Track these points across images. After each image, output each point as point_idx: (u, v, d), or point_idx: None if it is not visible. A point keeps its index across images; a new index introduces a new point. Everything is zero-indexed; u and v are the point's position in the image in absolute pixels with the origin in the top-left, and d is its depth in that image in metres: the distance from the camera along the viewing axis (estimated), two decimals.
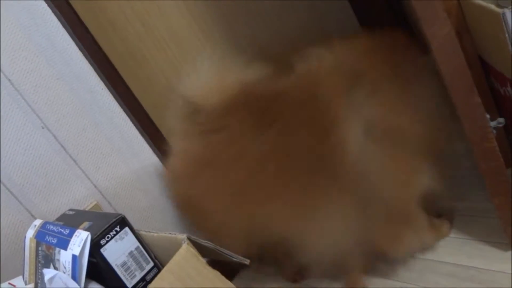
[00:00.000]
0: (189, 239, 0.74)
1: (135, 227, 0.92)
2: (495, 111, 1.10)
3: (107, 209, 1.27)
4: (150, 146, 1.35)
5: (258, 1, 1.62)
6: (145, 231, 0.85)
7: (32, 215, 1.15)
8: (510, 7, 0.87)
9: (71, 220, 0.91)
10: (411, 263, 1.18)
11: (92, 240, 0.75)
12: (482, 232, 1.13)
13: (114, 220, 0.80)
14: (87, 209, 1.23)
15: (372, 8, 1.61)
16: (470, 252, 1.10)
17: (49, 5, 1.18)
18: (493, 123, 0.89)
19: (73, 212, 0.97)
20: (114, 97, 1.28)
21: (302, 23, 1.50)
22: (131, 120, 1.31)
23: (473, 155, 0.96)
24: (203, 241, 0.76)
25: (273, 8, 1.56)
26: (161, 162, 1.37)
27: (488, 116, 0.88)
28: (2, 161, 1.12)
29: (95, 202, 1.24)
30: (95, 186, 1.25)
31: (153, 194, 1.37)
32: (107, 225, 0.79)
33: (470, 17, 1.03)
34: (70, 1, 1.22)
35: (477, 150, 0.91)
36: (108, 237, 0.78)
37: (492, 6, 0.91)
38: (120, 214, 0.82)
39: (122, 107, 1.29)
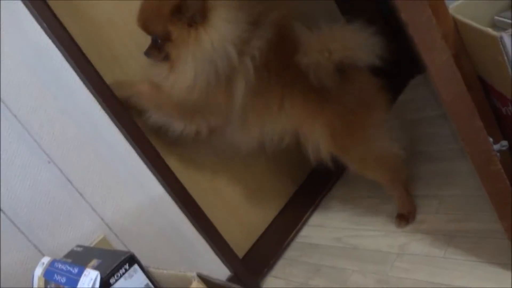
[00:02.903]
0: (199, 276, 0.74)
1: (142, 259, 0.91)
2: (497, 130, 1.11)
3: (114, 242, 1.27)
4: (155, 176, 1.35)
5: None
6: (154, 267, 0.85)
7: (40, 251, 1.15)
8: (509, 30, 0.88)
9: (80, 258, 0.90)
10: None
11: (101, 279, 0.75)
12: (492, 254, 1.12)
13: (123, 258, 0.79)
14: (94, 243, 1.23)
15: None
16: (481, 275, 1.09)
17: (53, 42, 1.20)
18: (496, 147, 0.89)
19: (81, 249, 0.96)
20: (119, 129, 1.29)
21: None
22: (137, 152, 1.32)
23: (478, 177, 0.96)
24: (213, 278, 0.76)
25: None
26: (167, 192, 1.38)
27: (491, 139, 0.88)
28: (9, 197, 1.13)
29: (102, 236, 1.24)
30: (102, 219, 1.26)
31: (160, 225, 1.37)
32: (116, 263, 0.78)
33: (468, 39, 1.04)
34: (74, 37, 1.25)
35: (481, 173, 0.91)
36: (117, 276, 0.78)
37: (490, 30, 0.92)
38: (129, 252, 0.81)
39: (127, 139, 1.30)
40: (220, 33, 1.17)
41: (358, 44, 1.19)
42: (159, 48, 1.26)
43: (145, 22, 1.26)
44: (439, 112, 1.79)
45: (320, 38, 1.21)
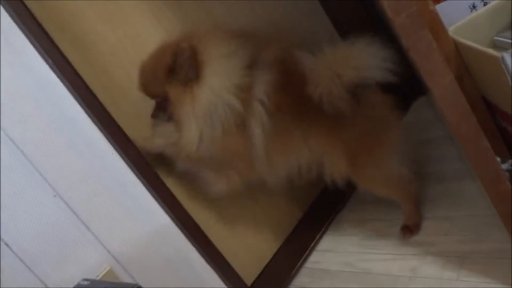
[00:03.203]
0: None
1: None
2: (504, 150, 1.10)
3: (121, 274, 1.25)
4: (162, 207, 1.34)
5: None
6: None
7: (46, 286, 1.14)
8: (510, 50, 0.88)
9: None
10: None
11: None
12: (507, 275, 1.09)
13: None
14: (101, 275, 1.21)
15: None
16: None
17: (58, 76, 1.22)
18: (505, 166, 0.88)
19: (88, 283, 0.95)
20: (124, 160, 1.30)
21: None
22: (142, 182, 1.32)
23: (488, 197, 0.95)
24: None
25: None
26: (172, 221, 1.37)
27: (499, 159, 0.87)
28: (15, 231, 1.12)
29: (109, 268, 1.23)
30: (108, 251, 1.24)
31: (167, 255, 1.35)
32: None
33: (470, 60, 1.05)
34: (79, 71, 1.26)
35: (491, 194, 0.90)
36: None
37: (491, 51, 0.93)
38: (136, 284, 0.80)
39: (132, 170, 1.30)
40: (215, 87, 1.18)
41: (367, 61, 1.14)
42: (163, 109, 1.28)
43: (144, 86, 1.29)
44: (444, 133, 1.78)
45: (326, 63, 1.19)
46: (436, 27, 0.91)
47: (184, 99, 1.20)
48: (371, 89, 1.26)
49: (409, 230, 1.43)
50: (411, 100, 2.08)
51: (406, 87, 1.68)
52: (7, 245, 1.11)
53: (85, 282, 0.96)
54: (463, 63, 1.06)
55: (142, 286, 1.25)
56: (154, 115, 1.32)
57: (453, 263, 1.24)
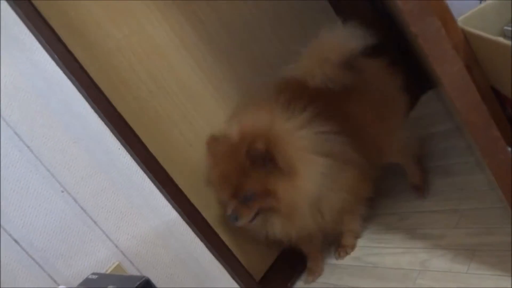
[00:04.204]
0: None
1: (158, 285, 0.89)
2: None
3: (129, 268, 1.25)
4: (169, 201, 1.34)
5: (262, 49, 1.68)
6: None
7: (55, 281, 1.14)
8: None
9: (95, 285, 0.89)
10: None
11: None
12: None
13: (138, 283, 0.78)
14: (109, 271, 1.21)
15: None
16: None
17: (64, 72, 1.22)
18: None
19: (96, 276, 0.95)
20: (131, 155, 1.30)
21: None
22: (149, 177, 1.32)
23: (499, 189, 0.94)
24: None
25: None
26: (180, 216, 1.36)
27: (510, 149, 0.86)
28: (24, 227, 1.13)
29: (117, 263, 1.23)
30: (117, 246, 1.24)
31: (175, 249, 1.35)
32: None
33: (479, 50, 1.04)
34: (84, 66, 1.26)
35: (502, 184, 0.89)
36: None
37: (501, 39, 0.92)
38: (144, 277, 0.80)
39: (139, 164, 1.30)
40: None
41: (347, 40, 1.27)
42: (248, 207, 1.24)
43: (235, 188, 1.22)
44: (452, 126, 1.76)
45: (313, 53, 1.29)
46: (445, 15, 0.90)
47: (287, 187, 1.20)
48: (365, 58, 1.35)
49: (421, 188, 1.53)
50: (419, 94, 2.06)
51: (415, 81, 1.68)
52: (15, 241, 1.11)
53: (94, 276, 0.96)
54: (472, 53, 1.05)
55: None
56: (236, 216, 1.24)
57: (463, 256, 1.23)
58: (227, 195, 1.24)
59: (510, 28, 1.06)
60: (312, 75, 1.27)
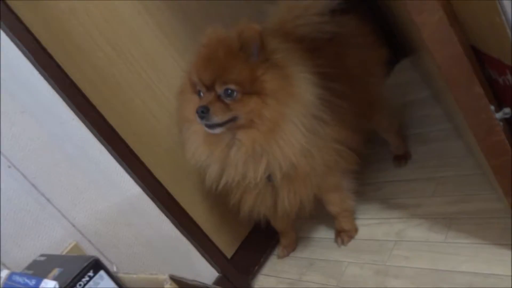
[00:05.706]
0: (172, 279, 0.64)
1: (122, 265, 0.82)
2: (495, 104, 1.03)
3: (88, 248, 1.16)
4: (131, 176, 1.25)
5: (231, 11, 1.58)
6: (123, 273, 0.75)
7: (4, 264, 1.04)
8: None
9: (41, 268, 0.80)
10: (422, 276, 1.08)
11: None
12: (497, 235, 1.04)
13: (86, 264, 0.70)
14: (66, 251, 1.12)
15: None
16: (487, 258, 1.01)
17: (7, 34, 1.10)
18: (498, 115, 0.81)
19: (44, 258, 0.86)
20: (87, 127, 1.19)
21: None
22: (108, 150, 1.22)
23: (478, 151, 0.88)
24: (189, 279, 0.66)
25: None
26: (144, 191, 1.27)
27: (492, 107, 0.80)
28: None
29: (74, 243, 1.14)
30: (73, 225, 1.15)
31: (139, 227, 1.27)
32: (78, 270, 0.69)
33: (460, 5, 0.96)
34: (31, 30, 1.14)
35: (483, 146, 0.83)
36: (81, 284, 0.68)
37: None
38: (92, 257, 0.72)
39: (96, 136, 1.20)
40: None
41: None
42: (226, 105, 1.05)
43: (219, 70, 1.05)
44: (428, 94, 1.72)
45: (283, 16, 1.25)
46: None
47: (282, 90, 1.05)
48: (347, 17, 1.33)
49: (403, 157, 1.51)
50: (393, 62, 2.00)
51: (389, 50, 1.61)
52: None
53: (42, 258, 0.88)
54: (452, 10, 0.98)
55: (111, 260, 1.18)
56: (207, 111, 1.02)
57: (440, 225, 1.19)
58: (208, 79, 1.06)
59: None
60: (296, 25, 1.22)
